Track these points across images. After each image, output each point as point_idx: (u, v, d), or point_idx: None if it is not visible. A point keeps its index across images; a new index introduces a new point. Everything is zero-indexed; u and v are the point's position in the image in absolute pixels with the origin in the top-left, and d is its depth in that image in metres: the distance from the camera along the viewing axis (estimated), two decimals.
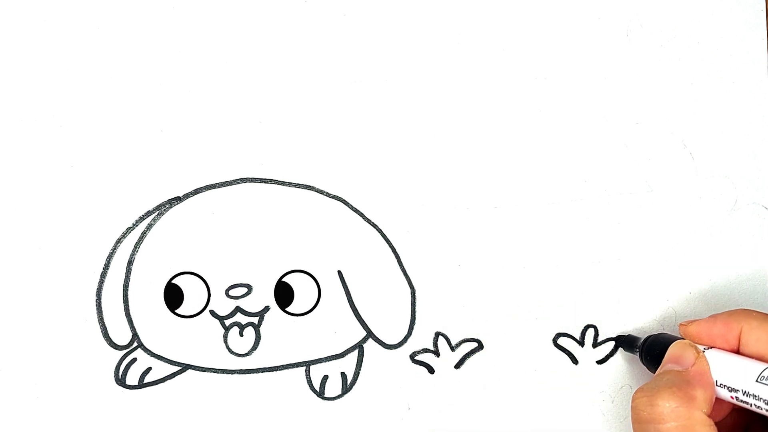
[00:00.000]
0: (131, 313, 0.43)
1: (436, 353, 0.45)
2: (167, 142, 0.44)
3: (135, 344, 0.43)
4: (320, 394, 0.44)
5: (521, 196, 0.45)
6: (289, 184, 0.44)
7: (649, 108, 0.46)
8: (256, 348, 0.44)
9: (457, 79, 0.45)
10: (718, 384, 0.38)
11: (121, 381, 0.43)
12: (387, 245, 0.44)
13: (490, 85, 0.45)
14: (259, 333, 0.44)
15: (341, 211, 0.44)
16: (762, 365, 0.37)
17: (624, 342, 0.45)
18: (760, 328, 0.38)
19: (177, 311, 0.43)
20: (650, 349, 0.42)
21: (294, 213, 0.44)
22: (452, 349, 0.45)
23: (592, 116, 0.46)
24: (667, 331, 0.45)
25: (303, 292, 0.44)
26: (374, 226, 0.44)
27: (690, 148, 0.46)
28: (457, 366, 0.45)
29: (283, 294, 0.44)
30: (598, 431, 0.45)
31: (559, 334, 0.45)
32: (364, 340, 0.44)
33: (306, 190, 0.44)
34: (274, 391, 0.44)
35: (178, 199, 0.44)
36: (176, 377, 0.43)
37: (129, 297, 0.43)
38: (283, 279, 0.44)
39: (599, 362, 0.45)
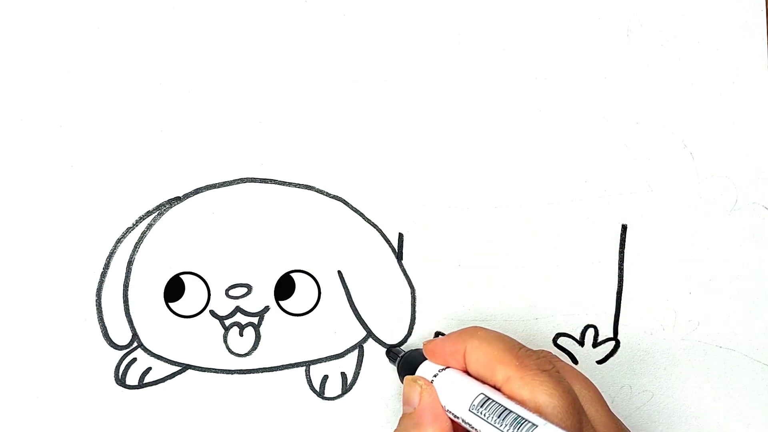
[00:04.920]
0: (131, 313, 0.43)
1: None
2: (167, 142, 0.44)
3: (135, 344, 0.43)
4: (320, 394, 0.44)
5: (521, 196, 0.45)
6: (289, 184, 0.44)
7: (649, 108, 0.46)
8: (256, 348, 0.44)
9: (457, 79, 0.45)
10: (447, 410, 0.36)
11: (121, 381, 0.43)
12: (387, 245, 0.44)
13: (490, 85, 0.45)
14: (259, 333, 0.44)
15: (341, 211, 0.44)
16: (475, 391, 0.35)
17: (389, 353, 0.44)
18: (479, 348, 0.36)
19: (174, 307, 0.43)
20: (403, 368, 0.40)
21: (294, 213, 0.44)
22: None
23: (592, 116, 0.46)
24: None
25: (303, 291, 0.44)
26: (374, 226, 0.44)
27: (690, 148, 0.46)
28: None
29: (284, 287, 0.44)
30: None
31: (559, 334, 0.45)
32: (364, 340, 0.44)
33: (306, 190, 0.44)
34: (274, 391, 0.44)
35: (178, 199, 0.44)
36: (176, 377, 0.43)
37: (129, 297, 0.43)
38: (284, 276, 0.44)
39: (599, 362, 0.45)
